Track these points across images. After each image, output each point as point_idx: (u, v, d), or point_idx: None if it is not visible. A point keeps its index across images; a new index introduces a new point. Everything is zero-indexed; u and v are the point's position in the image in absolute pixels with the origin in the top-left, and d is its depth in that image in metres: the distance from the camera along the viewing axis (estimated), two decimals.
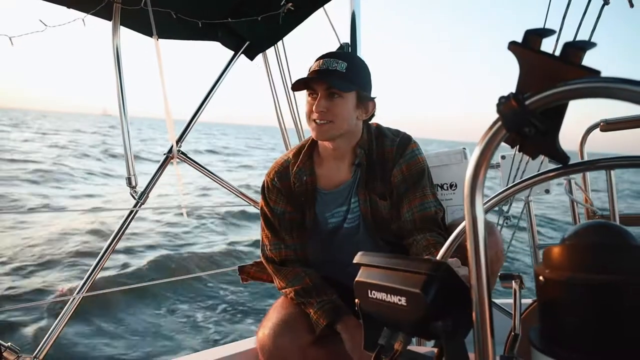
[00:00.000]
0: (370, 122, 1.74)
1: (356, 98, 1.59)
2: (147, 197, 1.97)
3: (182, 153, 2.06)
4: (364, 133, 1.67)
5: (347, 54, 1.62)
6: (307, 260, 1.74)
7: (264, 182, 1.75)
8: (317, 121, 1.56)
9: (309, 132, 1.86)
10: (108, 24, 1.92)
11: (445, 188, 2.04)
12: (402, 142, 1.66)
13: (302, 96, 1.65)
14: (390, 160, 1.65)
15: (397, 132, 1.71)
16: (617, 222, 1.24)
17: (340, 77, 1.54)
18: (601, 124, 1.86)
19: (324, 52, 1.63)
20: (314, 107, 1.56)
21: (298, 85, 1.59)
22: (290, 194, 1.70)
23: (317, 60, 1.60)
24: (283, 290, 1.69)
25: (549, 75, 0.50)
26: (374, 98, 1.66)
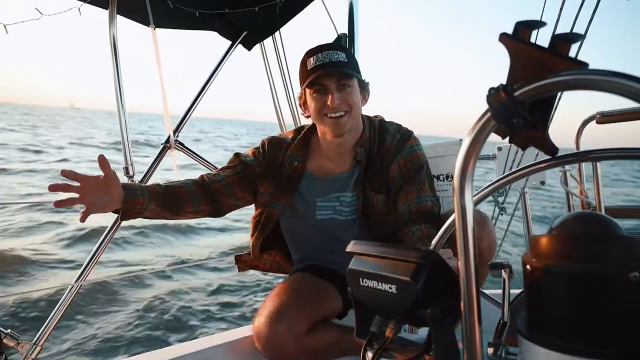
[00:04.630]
0: (373, 117, 1.75)
1: (358, 84, 1.60)
2: None
3: (180, 143, 2.07)
4: (366, 129, 1.67)
5: (336, 44, 1.62)
6: (295, 244, 1.78)
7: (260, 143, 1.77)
8: (333, 115, 1.55)
9: (305, 122, 1.85)
10: (104, 13, 1.91)
11: (442, 179, 2.04)
12: (402, 138, 1.66)
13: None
14: (389, 156, 1.65)
15: (398, 128, 1.70)
16: (603, 213, 1.25)
17: (348, 67, 1.54)
18: (597, 116, 1.87)
19: (312, 47, 1.59)
20: (328, 102, 1.53)
21: (312, 86, 1.56)
22: (274, 166, 1.71)
23: (310, 55, 1.57)
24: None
25: (538, 66, 0.51)
26: (368, 83, 1.67)
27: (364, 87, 1.63)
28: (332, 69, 1.52)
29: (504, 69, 0.55)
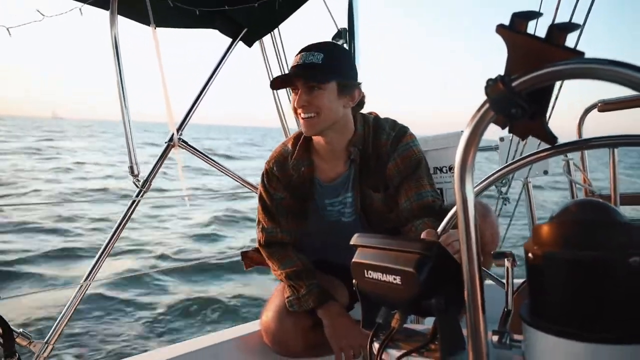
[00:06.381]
0: (368, 114, 1.73)
1: (337, 87, 1.56)
2: (150, 185, 1.98)
3: (183, 141, 2.07)
4: (359, 128, 1.66)
5: (325, 43, 1.59)
6: (301, 245, 1.77)
7: (264, 169, 1.76)
8: (303, 115, 1.56)
9: None
10: (105, 13, 1.92)
11: (444, 171, 2.05)
12: (397, 135, 1.65)
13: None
14: (385, 154, 1.64)
15: (393, 125, 1.68)
16: (618, 201, 1.25)
17: (317, 69, 1.53)
18: (599, 104, 1.86)
19: (305, 45, 1.60)
20: (295, 102, 1.56)
21: (276, 84, 1.62)
22: (289, 183, 1.72)
23: (296, 55, 1.59)
24: (275, 273, 1.73)
25: (535, 57, 0.51)
26: (359, 84, 1.63)
27: (344, 89, 1.58)
28: (297, 72, 1.54)
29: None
